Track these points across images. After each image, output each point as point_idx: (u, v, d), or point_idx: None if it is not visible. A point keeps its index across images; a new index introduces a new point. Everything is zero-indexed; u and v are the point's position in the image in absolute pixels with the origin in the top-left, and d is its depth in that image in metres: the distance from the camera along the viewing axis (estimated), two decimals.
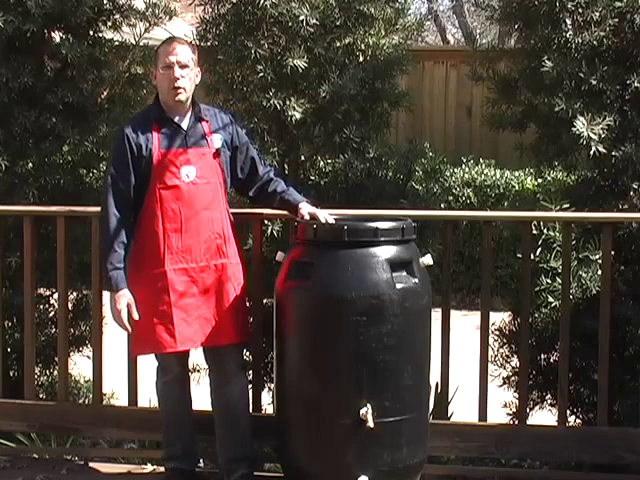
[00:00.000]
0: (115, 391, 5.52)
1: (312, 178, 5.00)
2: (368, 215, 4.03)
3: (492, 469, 4.41)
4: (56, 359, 4.67)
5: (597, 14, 4.36)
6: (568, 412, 4.33)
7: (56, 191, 5.06)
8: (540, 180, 7.20)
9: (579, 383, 4.55)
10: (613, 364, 4.12)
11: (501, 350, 4.81)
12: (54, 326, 5.16)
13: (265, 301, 4.27)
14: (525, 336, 4.21)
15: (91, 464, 4.41)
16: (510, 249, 6.24)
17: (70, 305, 5.01)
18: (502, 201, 9.07)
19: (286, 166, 4.91)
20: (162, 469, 4.14)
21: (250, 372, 4.26)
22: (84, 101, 5.10)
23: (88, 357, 5.06)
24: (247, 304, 4.02)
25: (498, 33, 13.79)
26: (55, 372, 5.11)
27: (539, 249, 4.41)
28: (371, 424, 3.45)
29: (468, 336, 4.84)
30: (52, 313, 5.27)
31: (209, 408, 3.96)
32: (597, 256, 4.33)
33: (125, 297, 3.72)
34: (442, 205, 8.58)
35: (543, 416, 4.72)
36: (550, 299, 4.33)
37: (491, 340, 4.39)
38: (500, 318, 4.82)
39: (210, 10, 4.86)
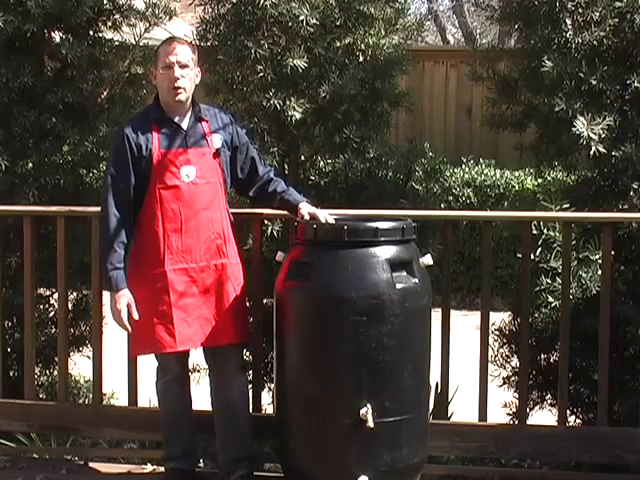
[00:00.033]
0: (115, 391, 5.52)
1: (312, 178, 5.00)
2: (368, 215, 4.03)
3: (492, 469, 4.41)
4: (56, 359, 4.67)
5: (597, 14, 4.36)
6: (568, 412, 4.33)
7: (56, 191, 5.06)
8: (540, 180, 7.20)
9: (579, 383, 4.55)
10: (613, 364, 4.12)
11: (501, 350, 4.81)
12: (54, 326, 5.16)
13: (265, 301, 4.27)
14: (525, 336, 4.21)
15: (91, 464, 4.40)
16: (510, 249, 6.26)
17: (70, 305, 5.01)
18: (502, 201, 9.07)
19: (286, 166, 4.91)
20: (162, 469, 4.14)
21: (250, 372, 4.26)
22: (84, 101, 5.10)
23: (88, 357, 5.06)
24: (247, 304, 4.02)
25: (498, 33, 13.79)
26: (55, 372, 5.11)
27: (539, 249, 4.41)
28: (371, 424, 3.45)
29: (468, 336, 4.84)
30: (52, 313, 5.27)
31: (209, 408, 3.96)
32: (597, 256, 4.32)
33: (125, 297, 3.72)
34: (442, 205, 8.58)
35: (543, 416, 4.72)
36: (550, 299, 4.33)
37: (491, 340, 4.39)
38: (500, 318, 4.82)
39: (210, 10, 4.86)
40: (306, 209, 3.79)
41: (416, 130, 10.30)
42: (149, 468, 4.34)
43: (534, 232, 4.34)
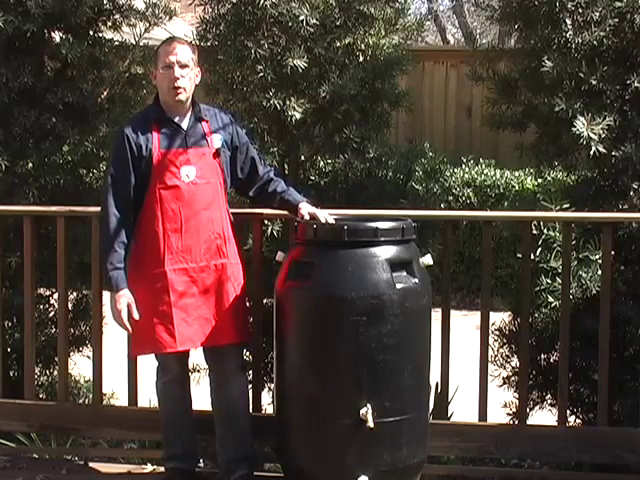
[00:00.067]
0: (115, 391, 5.52)
1: (312, 178, 5.00)
2: (368, 215, 4.03)
3: (492, 469, 4.41)
4: (56, 359, 4.67)
5: (597, 14, 4.36)
6: (568, 412, 4.33)
7: (56, 191, 5.06)
8: (540, 180, 7.20)
9: (579, 383, 4.55)
10: (613, 364, 4.12)
11: (501, 350, 4.81)
12: (54, 326, 5.16)
13: (265, 301, 4.27)
14: (525, 336, 4.21)
15: (91, 464, 4.40)
16: (510, 249, 6.26)
17: (70, 305, 5.01)
18: (502, 201, 9.07)
19: (286, 166, 4.91)
20: (162, 469, 4.14)
21: (250, 372, 4.26)
22: (84, 101, 5.10)
23: (88, 357, 5.06)
24: (247, 304, 4.02)
25: (498, 33, 13.79)
26: (55, 372, 5.11)
27: (539, 249, 4.41)
28: (371, 424, 3.45)
29: (468, 336, 4.84)
30: (52, 313, 5.27)
31: (209, 408, 3.96)
32: (597, 256, 4.32)
33: (125, 297, 3.72)
34: (442, 205, 8.58)
35: (543, 416, 4.72)
36: (550, 299, 4.33)
37: (491, 340, 4.39)
38: (500, 318, 4.82)
39: (210, 10, 4.86)
40: (306, 209, 3.79)
41: (416, 130, 10.30)
42: (149, 468, 4.34)
43: (534, 232, 4.34)
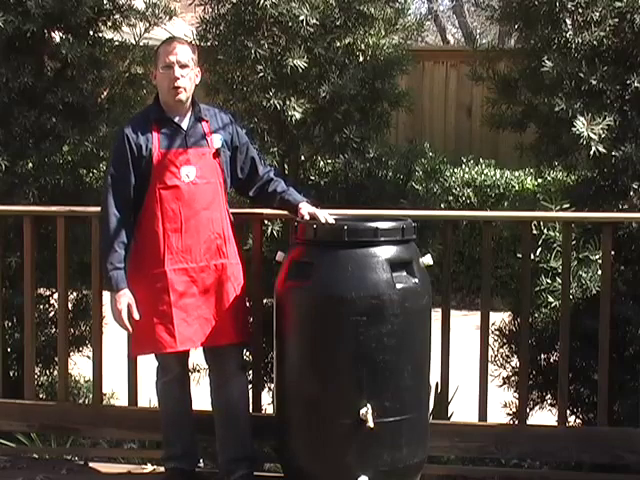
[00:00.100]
0: (115, 391, 5.52)
1: (312, 178, 5.00)
2: (368, 215, 4.03)
3: (492, 469, 4.41)
4: (56, 359, 4.67)
5: (597, 14, 4.36)
6: (568, 412, 4.33)
7: (56, 191, 5.06)
8: (540, 180, 7.20)
9: (579, 383, 4.55)
10: (613, 364, 4.12)
11: (501, 350, 4.81)
12: (54, 326, 5.16)
13: (265, 301, 4.27)
14: (525, 336, 4.21)
15: (91, 464, 4.40)
16: (510, 249, 6.26)
17: (70, 305, 5.01)
18: (502, 201, 9.07)
19: (286, 166, 4.91)
20: (162, 469, 4.14)
21: (250, 372, 4.26)
22: (84, 101, 5.10)
23: (88, 357, 5.06)
24: (247, 304, 4.02)
25: (498, 33, 13.79)
26: (55, 372, 5.11)
27: (539, 249, 4.41)
28: (371, 424, 3.45)
29: (468, 336, 4.84)
30: (52, 313, 5.27)
31: (209, 408, 3.96)
32: (597, 256, 4.32)
33: (126, 297, 3.72)
34: (442, 205, 8.58)
35: (543, 416, 4.72)
36: (550, 299, 4.33)
37: (491, 340, 4.39)
38: (500, 318, 4.82)
39: (210, 10, 4.86)
40: (306, 209, 3.79)
41: (416, 130, 10.30)
42: (149, 468, 4.34)
43: (534, 232, 4.34)
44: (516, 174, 9.27)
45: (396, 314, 3.49)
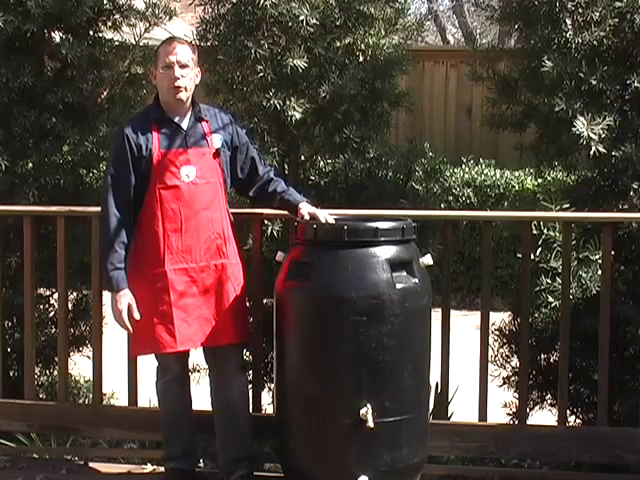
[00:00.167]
0: (115, 391, 5.52)
1: (312, 178, 5.00)
2: (368, 215, 4.03)
3: (492, 469, 4.41)
4: (56, 359, 4.67)
5: (597, 14, 4.36)
6: (568, 412, 4.33)
7: (56, 191, 5.06)
8: (540, 180, 7.20)
9: (579, 383, 4.55)
10: (613, 364, 4.12)
11: (501, 350, 4.81)
12: (54, 326, 5.16)
13: (265, 301, 4.27)
14: (525, 336, 4.21)
15: (91, 464, 4.40)
16: (510, 249, 6.26)
17: (70, 305, 5.01)
18: (502, 201, 9.07)
19: (286, 166, 4.91)
20: (162, 469, 4.14)
21: (250, 372, 4.26)
22: (84, 101, 5.10)
23: (88, 357, 5.06)
24: (247, 304, 4.02)
25: (498, 33, 13.79)
26: (55, 372, 5.11)
27: (539, 249, 4.41)
28: (371, 424, 3.45)
29: (468, 336, 4.84)
30: (52, 313, 5.27)
31: (209, 408, 3.96)
32: (597, 256, 4.32)
33: (126, 297, 3.72)
34: (442, 205, 8.58)
35: (543, 416, 4.72)
36: (550, 299, 4.33)
37: (491, 340, 4.39)
38: (500, 318, 4.82)
39: (210, 10, 4.86)
40: (306, 209, 3.79)
41: (416, 130, 10.30)
42: (149, 468, 4.34)
43: (534, 232, 4.34)
44: (516, 174, 9.27)
45: (396, 314, 3.49)
